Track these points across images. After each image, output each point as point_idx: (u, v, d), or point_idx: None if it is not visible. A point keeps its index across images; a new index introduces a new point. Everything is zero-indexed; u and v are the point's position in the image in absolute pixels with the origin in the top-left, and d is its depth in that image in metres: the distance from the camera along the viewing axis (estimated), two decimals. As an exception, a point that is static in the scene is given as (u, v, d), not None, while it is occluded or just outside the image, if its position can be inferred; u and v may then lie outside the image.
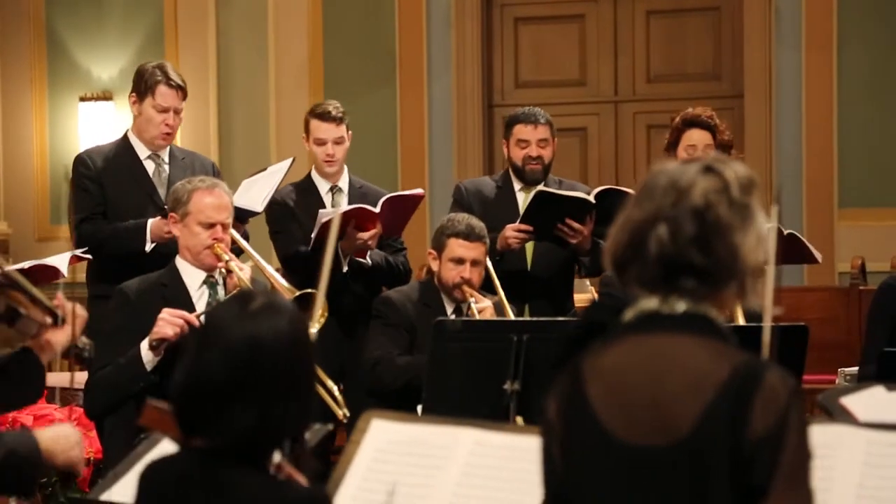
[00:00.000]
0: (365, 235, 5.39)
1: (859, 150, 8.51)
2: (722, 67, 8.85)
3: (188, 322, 4.31)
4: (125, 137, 5.57)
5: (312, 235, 5.38)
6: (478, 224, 5.15)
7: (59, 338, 3.02)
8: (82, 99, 9.12)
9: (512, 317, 5.11)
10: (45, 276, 5.10)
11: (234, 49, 9.14)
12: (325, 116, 5.68)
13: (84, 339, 3.12)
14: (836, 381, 4.89)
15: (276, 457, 2.43)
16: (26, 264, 5.09)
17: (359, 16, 9.03)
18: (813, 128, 8.53)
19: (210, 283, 4.64)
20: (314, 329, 3.92)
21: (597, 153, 9.00)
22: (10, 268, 3.14)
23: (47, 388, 4.83)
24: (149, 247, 5.20)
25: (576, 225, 5.48)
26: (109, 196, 5.41)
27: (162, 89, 5.44)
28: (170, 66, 5.57)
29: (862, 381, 4.23)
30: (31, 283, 3.10)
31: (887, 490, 2.80)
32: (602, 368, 2.19)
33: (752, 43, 8.62)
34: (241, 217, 5.16)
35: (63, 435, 2.88)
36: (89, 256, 5.31)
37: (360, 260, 5.48)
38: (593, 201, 5.49)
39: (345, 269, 5.44)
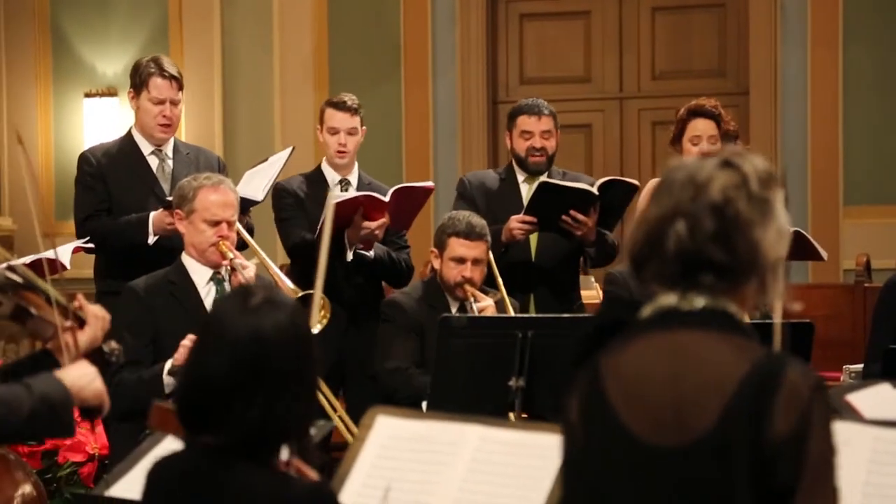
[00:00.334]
0: (372, 224, 5.36)
1: (865, 148, 8.49)
2: (727, 64, 8.83)
3: None
4: (129, 134, 5.57)
5: (319, 225, 5.37)
6: (478, 222, 5.13)
7: (80, 340, 2.98)
8: (87, 95, 9.10)
9: (513, 314, 5.11)
10: (50, 269, 5.08)
11: (239, 44, 9.13)
12: (340, 106, 5.68)
13: (113, 344, 3.07)
14: (842, 378, 4.90)
15: (285, 454, 2.43)
16: (28, 258, 5.09)
17: (364, 11, 9.02)
18: (818, 125, 8.52)
19: (217, 279, 4.66)
20: (315, 330, 3.92)
21: (602, 150, 8.98)
22: (17, 261, 3.11)
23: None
24: (151, 239, 5.19)
25: (580, 216, 5.47)
26: (113, 192, 5.40)
27: (156, 81, 5.43)
28: (165, 58, 5.55)
29: (867, 379, 4.23)
30: (36, 276, 3.07)
31: (893, 487, 2.80)
32: (621, 366, 2.15)
33: (758, 40, 8.60)
34: (243, 207, 5.16)
35: (82, 371, 2.87)
36: (91, 245, 5.31)
37: (364, 252, 5.47)
38: (597, 192, 5.49)
39: (349, 257, 5.43)
